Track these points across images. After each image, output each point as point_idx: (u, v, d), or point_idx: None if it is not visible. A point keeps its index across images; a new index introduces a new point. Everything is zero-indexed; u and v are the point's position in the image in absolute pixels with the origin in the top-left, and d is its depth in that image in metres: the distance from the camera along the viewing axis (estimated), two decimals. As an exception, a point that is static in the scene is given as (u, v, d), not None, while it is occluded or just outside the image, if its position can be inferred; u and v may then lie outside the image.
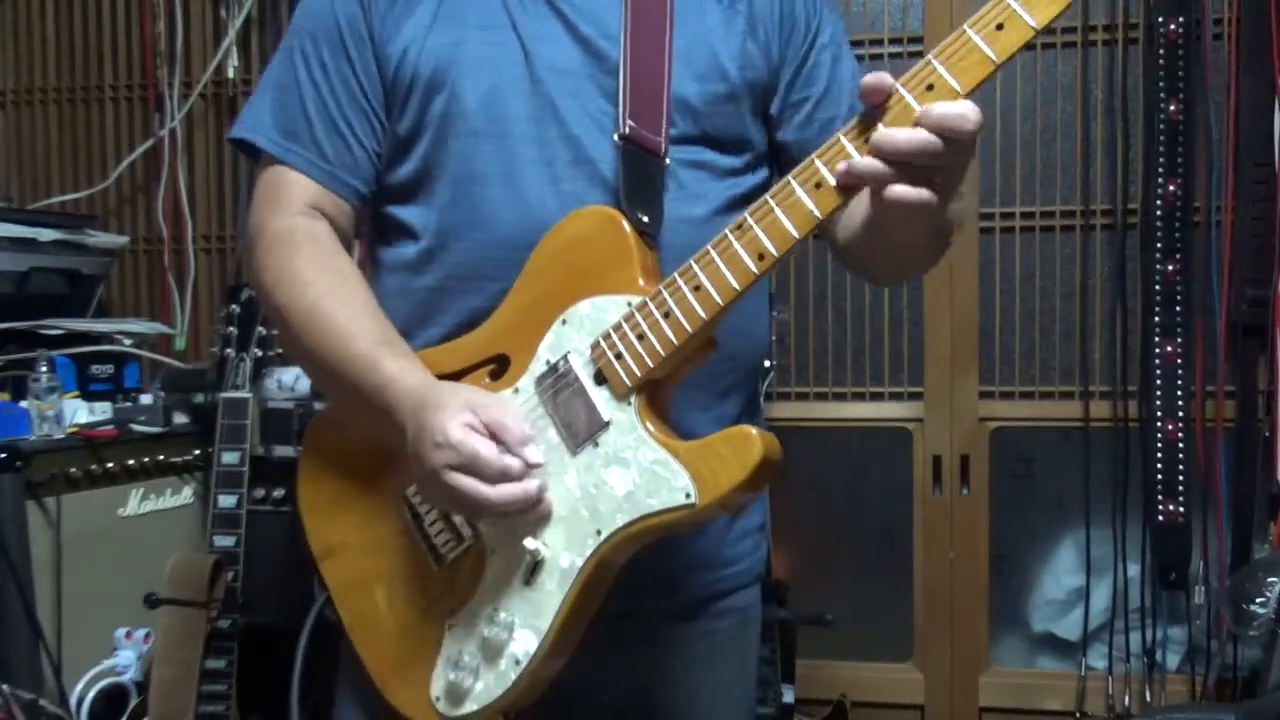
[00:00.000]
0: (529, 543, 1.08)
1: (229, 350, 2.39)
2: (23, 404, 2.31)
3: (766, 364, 2.46)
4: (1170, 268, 2.55)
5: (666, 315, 1.05)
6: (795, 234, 1.00)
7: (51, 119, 3.13)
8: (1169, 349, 2.55)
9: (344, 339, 1.14)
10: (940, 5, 2.70)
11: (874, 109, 0.97)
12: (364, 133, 1.22)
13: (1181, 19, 2.51)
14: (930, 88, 0.95)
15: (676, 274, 1.05)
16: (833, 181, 0.98)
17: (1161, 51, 2.52)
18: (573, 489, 1.08)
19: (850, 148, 0.98)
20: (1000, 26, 0.93)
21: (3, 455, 2.09)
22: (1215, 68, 2.53)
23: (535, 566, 1.08)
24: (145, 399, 2.55)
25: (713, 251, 1.03)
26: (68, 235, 2.66)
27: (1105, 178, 2.67)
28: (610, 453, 1.06)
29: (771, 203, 1.01)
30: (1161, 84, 2.53)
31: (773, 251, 1.01)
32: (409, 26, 1.20)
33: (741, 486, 1.00)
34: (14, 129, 3.15)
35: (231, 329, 2.38)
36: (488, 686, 1.10)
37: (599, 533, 1.06)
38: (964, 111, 0.93)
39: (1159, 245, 2.55)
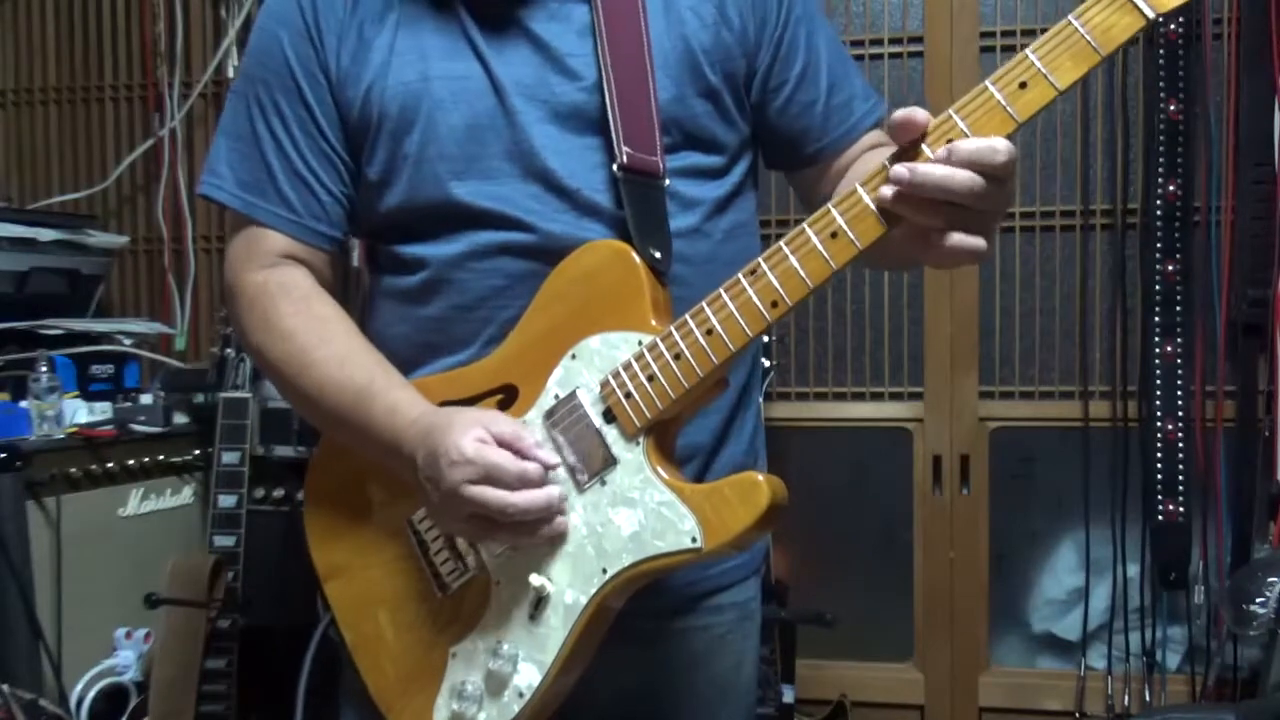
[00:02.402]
0: (534, 578, 1.08)
1: (229, 350, 2.39)
2: (23, 404, 2.31)
3: (766, 364, 2.45)
4: (1170, 268, 2.55)
5: (677, 357, 1.04)
6: (810, 284, 0.99)
7: (51, 119, 3.13)
8: (1169, 349, 2.55)
9: (338, 385, 1.14)
10: (940, 5, 2.70)
11: (894, 155, 0.96)
12: (330, 178, 1.20)
13: (1181, 19, 2.51)
14: (949, 143, 0.94)
15: (688, 315, 1.04)
16: (850, 232, 0.98)
17: (1161, 51, 2.52)
18: (579, 526, 1.07)
19: (867, 199, 0.97)
20: (1024, 85, 0.93)
21: (3, 455, 2.10)
22: (1215, 68, 2.53)
23: (540, 601, 1.08)
24: (145, 399, 2.55)
25: (725, 295, 1.02)
26: (68, 235, 2.66)
27: (1105, 178, 2.67)
28: (617, 492, 1.06)
29: (786, 249, 1.00)
30: (1161, 84, 2.53)
31: (787, 300, 1.00)
32: (367, 66, 1.16)
33: (748, 532, 1.00)
34: (14, 129, 3.15)
35: (231, 329, 2.38)
36: (490, 718, 1.11)
37: (605, 571, 1.06)
38: (994, 145, 0.92)
39: (1159, 245, 2.55)
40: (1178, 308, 2.54)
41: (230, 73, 2.94)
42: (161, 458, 2.46)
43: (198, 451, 2.53)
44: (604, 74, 1.13)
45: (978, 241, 0.95)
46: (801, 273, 1.00)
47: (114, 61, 3.08)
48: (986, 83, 0.94)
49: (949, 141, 0.94)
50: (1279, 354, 2.42)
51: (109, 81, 3.09)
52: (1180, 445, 2.54)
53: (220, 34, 2.97)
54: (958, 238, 0.95)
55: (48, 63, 3.12)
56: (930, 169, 0.94)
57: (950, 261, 0.98)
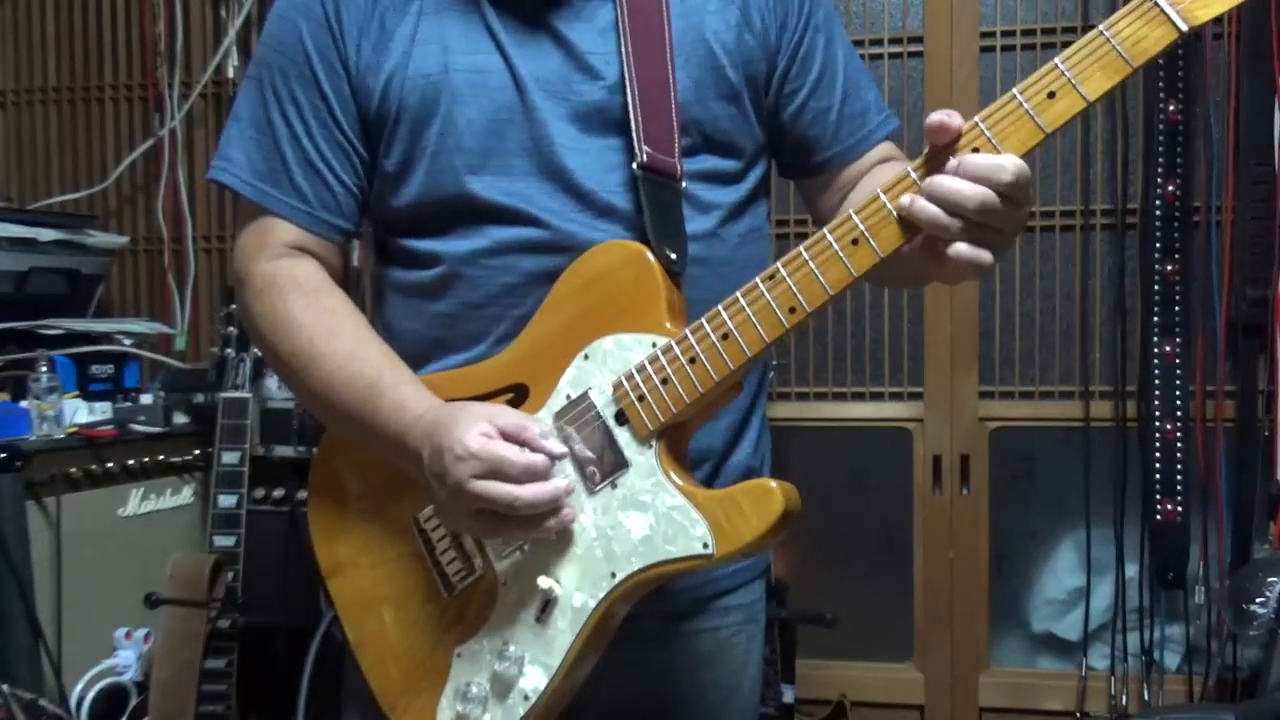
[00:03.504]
0: (542, 580, 1.07)
1: (229, 350, 2.39)
2: (23, 404, 2.31)
3: (766, 364, 2.45)
4: (1170, 268, 2.55)
5: (692, 361, 1.03)
6: (830, 291, 0.99)
7: (51, 119, 3.13)
8: (1169, 349, 2.55)
9: (346, 379, 1.13)
10: (940, 5, 2.70)
11: (923, 158, 0.96)
12: (343, 170, 1.19)
13: (1181, 18, 2.50)
14: (975, 152, 0.94)
15: (704, 319, 1.03)
16: (871, 240, 0.97)
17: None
18: (588, 528, 1.07)
19: (890, 206, 0.97)
20: (1052, 95, 0.92)
21: (3, 455, 2.09)
22: (1215, 68, 2.53)
23: (548, 604, 1.08)
24: (145, 399, 2.55)
25: (742, 300, 1.02)
26: (68, 235, 2.66)
27: (1105, 178, 2.67)
28: (628, 495, 1.05)
29: (805, 255, 0.99)
30: (1161, 84, 2.53)
31: (805, 306, 1.00)
32: (388, 56, 1.16)
33: (760, 540, 1.00)
34: (14, 129, 3.15)
35: (231, 329, 2.38)
36: None
37: (614, 575, 1.05)
38: (1001, 163, 0.93)
39: (1159, 245, 2.55)
40: (1178, 308, 2.54)
41: (230, 73, 2.94)
42: (161, 458, 2.46)
43: (198, 451, 2.53)
44: (626, 74, 1.12)
45: (982, 254, 0.95)
46: (821, 280, 0.99)
47: (114, 61, 3.08)
48: (1014, 91, 0.93)
49: (974, 151, 0.94)
50: (1279, 354, 2.42)
51: (109, 81, 3.09)
52: (1180, 445, 2.54)
53: (220, 34, 2.96)
54: (961, 248, 0.95)
55: (48, 63, 3.12)
56: (941, 180, 0.94)
57: (954, 274, 0.98)
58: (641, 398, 1.05)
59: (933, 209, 0.94)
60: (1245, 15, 2.47)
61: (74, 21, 3.10)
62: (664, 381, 1.04)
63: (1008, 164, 0.93)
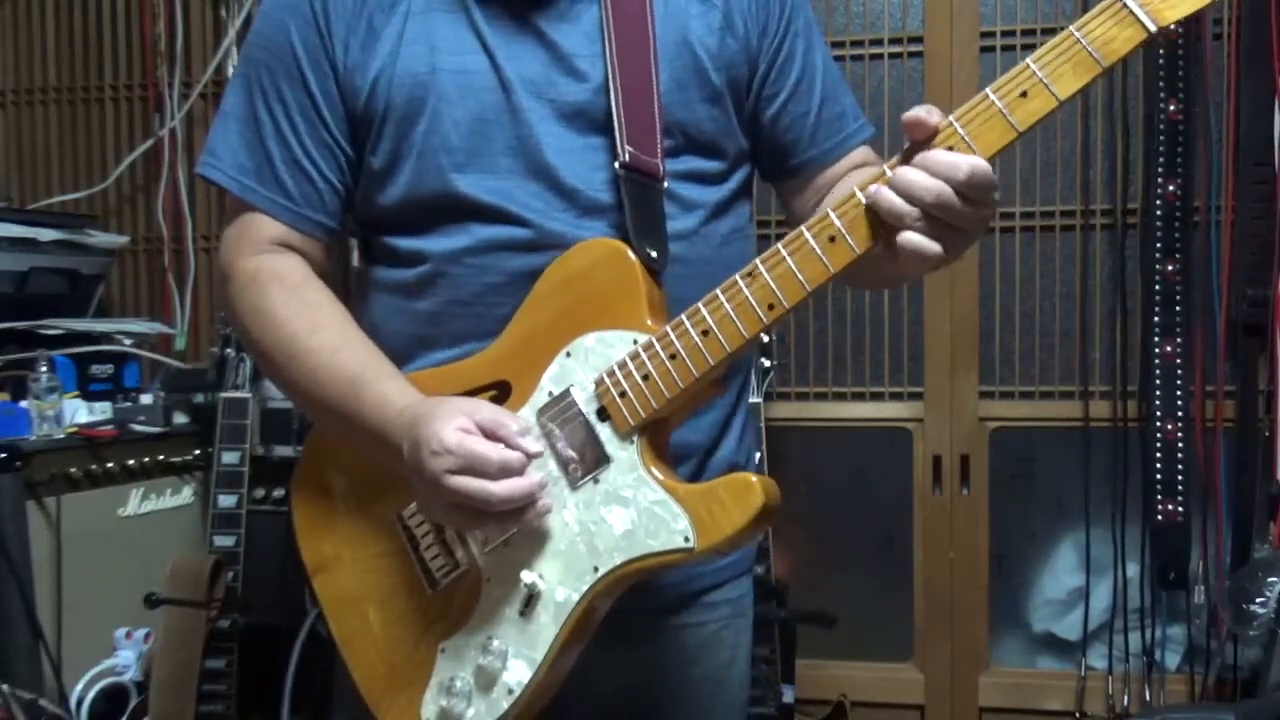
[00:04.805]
0: (526, 575, 1.08)
1: (229, 350, 2.39)
2: (23, 404, 2.31)
3: (766, 364, 2.46)
4: (1170, 268, 2.55)
5: (673, 358, 1.04)
6: (807, 287, 1.00)
7: (51, 119, 3.13)
8: (1169, 349, 2.55)
9: (329, 374, 1.14)
10: (940, 5, 2.70)
11: (902, 155, 0.97)
12: (328, 167, 1.20)
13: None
14: (950, 150, 0.95)
15: (684, 316, 1.04)
16: (848, 236, 0.98)
17: (1161, 51, 2.52)
18: (571, 523, 1.08)
19: (866, 203, 0.98)
20: (1024, 94, 0.93)
21: (3, 455, 2.09)
22: (1215, 68, 2.53)
23: (531, 598, 1.09)
24: (145, 399, 2.55)
25: (721, 296, 1.03)
26: (68, 235, 2.66)
27: (1105, 178, 2.67)
28: (610, 490, 1.06)
29: (784, 252, 1.00)
30: (1161, 84, 2.53)
31: (784, 303, 1.01)
32: (375, 55, 1.16)
33: (740, 533, 1.01)
34: (14, 129, 3.15)
35: (231, 329, 2.38)
36: (479, 714, 1.11)
37: (596, 569, 1.06)
38: (957, 161, 0.93)
39: (1159, 245, 2.55)
40: (1178, 308, 2.54)
41: (230, 73, 2.94)
42: (161, 458, 2.46)
43: (198, 451, 2.53)
44: (610, 75, 1.13)
45: (930, 245, 0.95)
46: (799, 276, 1.00)
47: (114, 61, 3.08)
48: (987, 91, 0.94)
49: (950, 150, 0.95)
50: (1279, 354, 2.42)
51: (109, 81, 3.09)
52: (1180, 445, 2.54)
53: (220, 34, 2.97)
54: (909, 236, 0.95)
55: (48, 63, 3.12)
56: (903, 170, 0.95)
57: (904, 265, 0.97)
58: (623, 394, 1.06)
59: (890, 197, 0.96)
60: (1245, 15, 2.47)
61: (74, 21, 3.10)
62: (645, 378, 1.05)
63: (963, 163, 0.94)
